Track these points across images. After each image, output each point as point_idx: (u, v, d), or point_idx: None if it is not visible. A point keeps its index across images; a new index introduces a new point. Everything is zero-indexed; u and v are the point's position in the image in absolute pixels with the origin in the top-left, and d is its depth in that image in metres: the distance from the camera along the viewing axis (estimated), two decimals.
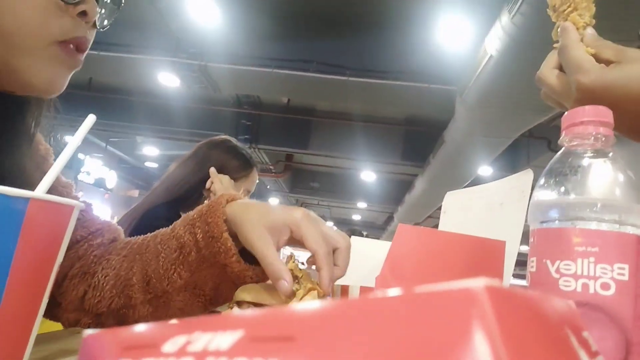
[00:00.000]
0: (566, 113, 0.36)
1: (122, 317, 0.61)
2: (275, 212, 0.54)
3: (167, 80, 6.62)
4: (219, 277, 0.58)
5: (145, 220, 1.36)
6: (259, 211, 0.55)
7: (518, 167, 8.09)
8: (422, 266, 0.49)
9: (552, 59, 0.52)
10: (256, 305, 0.53)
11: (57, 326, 0.66)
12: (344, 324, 0.11)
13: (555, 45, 0.52)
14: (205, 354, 0.11)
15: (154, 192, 1.47)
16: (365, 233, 4.50)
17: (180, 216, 1.42)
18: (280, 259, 0.52)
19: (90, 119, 0.45)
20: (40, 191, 0.34)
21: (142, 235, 0.67)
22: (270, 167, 10.07)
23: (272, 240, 0.53)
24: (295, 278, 0.53)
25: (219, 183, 1.43)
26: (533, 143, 7.11)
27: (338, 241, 0.53)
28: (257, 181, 1.60)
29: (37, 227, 0.30)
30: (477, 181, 8.37)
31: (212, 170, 1.45)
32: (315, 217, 0.55)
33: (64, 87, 0.52)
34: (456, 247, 0.49)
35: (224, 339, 0.11)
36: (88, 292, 0.61)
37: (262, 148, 8.80)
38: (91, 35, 0.52)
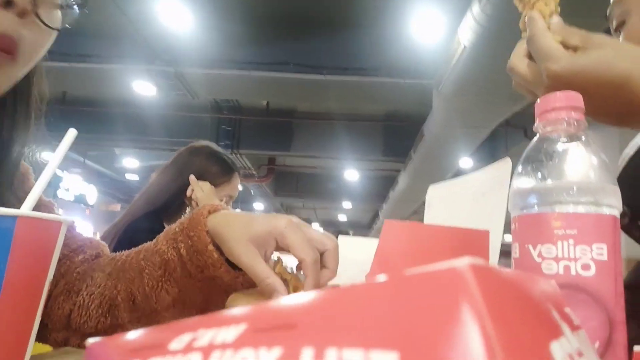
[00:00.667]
0: (539, 100, 0.37)
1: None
2: (257, 223, 0.53)
3: (143, 89, 6.55)
4: (208, 288, 0.57)
5: (128, 233, 1.34)
6: (241, 224, 0.54)
7: (497, 157, 8.12)
8: (410, 260, 0.49)
9: (521, 48, 0.54)
10: None
11: (45, 348, 0.64)
12: (341, 308, 0.12)
13: (523, 34, 0.53)
14: (212, 348, 0.12)
15: (136, 203, 1.45)
16: (351, 232, 4.51)
17: (163, 226, 1.41)
18: (269, 270, 0.52)
19: (71, 133, 0.44)
20: (26, 208, 0.34)
21: (126, 251, 0.66)
22: (253, 172, 10.03)
23: (258, 253, 0.52)
24: (283, 281, 0.54)
25: (199, 191, 1.42)
26: (510, 132, 7.23)
27: (325, 244, 0.53)
28: (240, 186, 1.59)
29: (26, 245, 0.30)
30: (459, 174, 8.45)
31: (192, 177, 1.44)
32: (299, 222, 0.54)
33: None
34: (441, 239, 0.50)
35: (229, 333, 0.12)
36: (74, 310, 0.60)
37: (244, 153, 8.76)
38: (33, 32, 0.45)
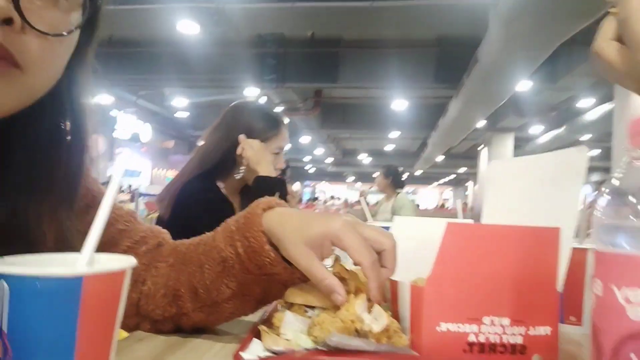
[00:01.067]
0: (634, 119, 0.32)
1: (177, 322, 0.63)
2: (312, 226, 0.52)
3: (187, 27, 6.49)
4: (267, 282, 0.58)
5: (183, 194, 1.38)
6: (296, 225, 0.53)
7: (558, 78, 7.65)
8: (475, 264, 0.47)
9: (608, 28, 0.46)
10: (307, 307, 0.54)
11: (121, 334, 0.68)
12: None
13: (611, 10, 0.45)
14: None
15: (189, 165, 1.48)
16: (401, 169, 4.46)
17: (216, 186, 1.44)
18: (326, 272, 0.52)
19: (119, 169, 0.43)
20: (87, 255, 0.34)
21: (187, 241, 0.67)
22: (299, 105, 9.96)
23: (314, 255, 0.52)
24: (342, 280, 0.53)
25: (249, 149, 1.43)
26: (575, 50, 6.63)
27: (383, 243, 0.52)
28: (288, 138, 1.57)
29: (94, 300, 0.31)
30: (514, 98, 8.02)
31: (241, 137, 1.44)
32: (355, 222, 0.53)
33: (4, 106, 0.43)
34: (508, 241, 0.48)
35: None
36: (141, 299, 0.63)
37: (290, 86, 8.66)
38: (38, 41, 0.42)
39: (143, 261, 0.65)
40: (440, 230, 0.72)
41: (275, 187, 1.41)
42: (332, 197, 14.70)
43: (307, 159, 20.73)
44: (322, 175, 29.21)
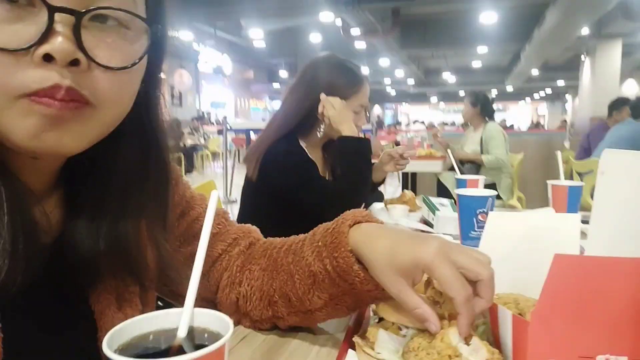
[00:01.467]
0: None
1: (274, 323, 0.66)
2: (402, 253, 0.50)
3: None
4: (359, 295, 0.58)
5: (270, 156, 1.40)
6: (385, 249, 0.52)
7: None
8: (587, 299, 0.43)
9: None
10: (400, 326, 0.54)
11: None
12: None
13: None
14: None
15: (271, 126, 1.47)
16: (491, 96, 4.10)
17: (300, 146, 1.43)
18: (419, 300, 0.50)
19: (214, 196, 0.44)
20: (185, 325, 0.35)
21: (277, 242, 0.68)
22: (377, 26, 9.46)
23: (405, 283, 0.50)
24: (436, 303, 0.51)
25: (331, 108, 1.39)
26: None
27: (479, 274, 0.47)
28: (369, 93, 1.50)
29: None
30: (623, 4, 6.96)
31: (323, 96, 1.39)
32: (449, 248, 0.49)
33: (75, 144, 0.43)
34: (622, 274, 0.42)
35: None
36: (239, 299, 0.66)
37: (366, 7, 8.22)
38: (88, 79, 0.41)
39: (237, 263, 0.67)
40: (540, 225, 0.66)
41: (359, 148, 1.38)
42: (416, 122, 14.23)
43: (387, 81, 20.09)
44: (403, 97, 28.31)
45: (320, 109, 1.41)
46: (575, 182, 1.31)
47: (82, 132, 0.43)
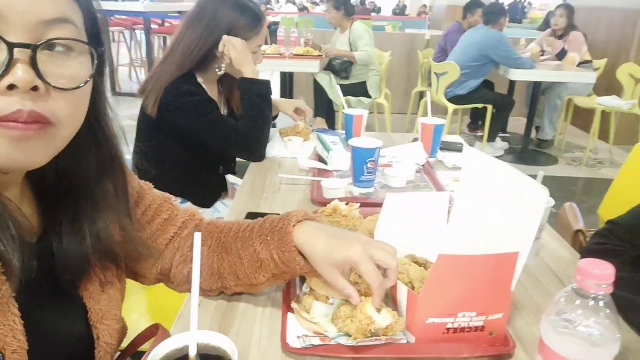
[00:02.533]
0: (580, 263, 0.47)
1: (221, 291, 0.81)
2: (337, 252, 0.68)
3: None
4: (295, 274, 0.76)
5: (169, 96, 1.39)
6: (323, 249, 0.69)
7: None
8: (453, 281, 0.65)
9: None
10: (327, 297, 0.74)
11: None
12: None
13: None
14: None
15: (168, 61, 1.43)
16: None
17: (199, 84, 1.46)
18: (346, 283, 0.69)
19: (197, 237, 0.56)
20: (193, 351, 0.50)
21: (219, 225, 0.81)
22: None
23: (337, 272, 0.69)
24: (356, 284, 0.72)
25: (232, 50, 1.41)
26: None
27: (389, 264, 0.68)
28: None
29: None
30: None
31: (225, 37, 1.41)
32: (369, 246, 0.68)
33: (40, 158, 0.51)
34: (479, 265, 0.65)
35: None
36: (190, 273, 0.80)
37: None
38: (46, 101, 0.48)
39: (188, 243, 0.80)
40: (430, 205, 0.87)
41: (261, 89, 1.46)
42: (287, 1, 13.68)
43: None
44: None
45: (220, 48, 1.43)
46: (439, 120, 1.57)
47: (47, 147, 0.51)
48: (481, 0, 4.71)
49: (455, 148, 1.66)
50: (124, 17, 7.05)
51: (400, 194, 0.85)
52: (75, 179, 0.61)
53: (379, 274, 0.68)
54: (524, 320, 0.79)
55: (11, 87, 0.45)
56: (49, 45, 0.49)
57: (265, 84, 1.48)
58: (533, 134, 4.58)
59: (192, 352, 0.53)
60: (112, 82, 5.90)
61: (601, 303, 0.48)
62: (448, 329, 0.69)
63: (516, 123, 5.29)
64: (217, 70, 1.51)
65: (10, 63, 0.45)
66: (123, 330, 0.75)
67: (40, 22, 0.47)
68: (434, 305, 0.67)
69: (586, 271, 0.48)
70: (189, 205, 1.54)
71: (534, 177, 0.77)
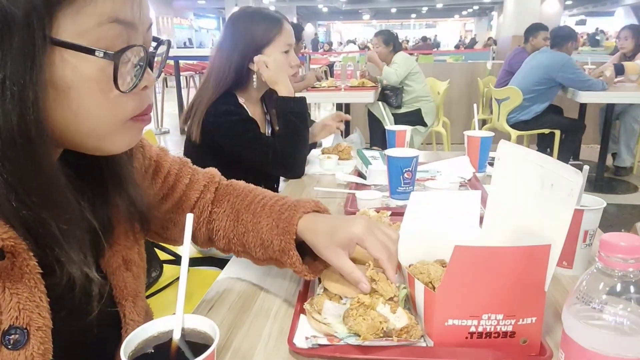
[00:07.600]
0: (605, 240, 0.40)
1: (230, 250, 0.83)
2: (340, 231, 0.68)
3: None
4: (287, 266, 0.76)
5: (209, 117, 1.44)
6: (326, 229, 0.69)
7: None
8: (475, 277, 0.58)
9: None
10: (341, 297, 0.68)
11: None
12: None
13: None
14: None
15: (205, 87, 1.49)
16: (395, 32, 4.24)
17: (239, 104, 1.49)
18: (354, 266, 0.67)
19: (189, 218, 0.54)
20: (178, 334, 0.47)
21: (239, 189, 0.84)
22: None
23: (343, 254, 0.68)
24: (373, 281, 0.66)
25: (265, 71, 1.46)
26: None
27: (387, 246, 0.68)
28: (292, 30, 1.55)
29: None
30: None
31: (256, 58, 1.46)
32: (373, 226, 0.68)
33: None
34: (505, 259, 0.58)
35: None
36: (210, 235, 0.83)
37: None
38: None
39: (208, 208, 0.83)
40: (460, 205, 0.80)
41: (295, 107, 1.47)
42: (349, 42, 14.06)
43: None
44: (336, 14, 27.51)
45: (255, 68, 1.47)
46: (487, 133, 1.49)
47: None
48: (541, 24, 4.56)
49: None
50: (194, 62, 7.57)
51: (426, 193, 0.79)
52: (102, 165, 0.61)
53: (386, 247, 0.66)
54: None
55: (145, 87, 0.53)
56: None
57: (301, 101, 1.48)
58: (609, 162, 4.23)
59: (177, 336, 0.50)
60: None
61: (630, 284, 0.40)
62: (471, 334, 0.61)
63: (590, 151, 4.93)
64: (254, 84, 1.54)
65: (146, 67, 0.51)
66: (149, 313, 0.76)
67: (147, 29, 0.53)
68: (453, 305, 0.60)
69: (611, 245, 0.40)
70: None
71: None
